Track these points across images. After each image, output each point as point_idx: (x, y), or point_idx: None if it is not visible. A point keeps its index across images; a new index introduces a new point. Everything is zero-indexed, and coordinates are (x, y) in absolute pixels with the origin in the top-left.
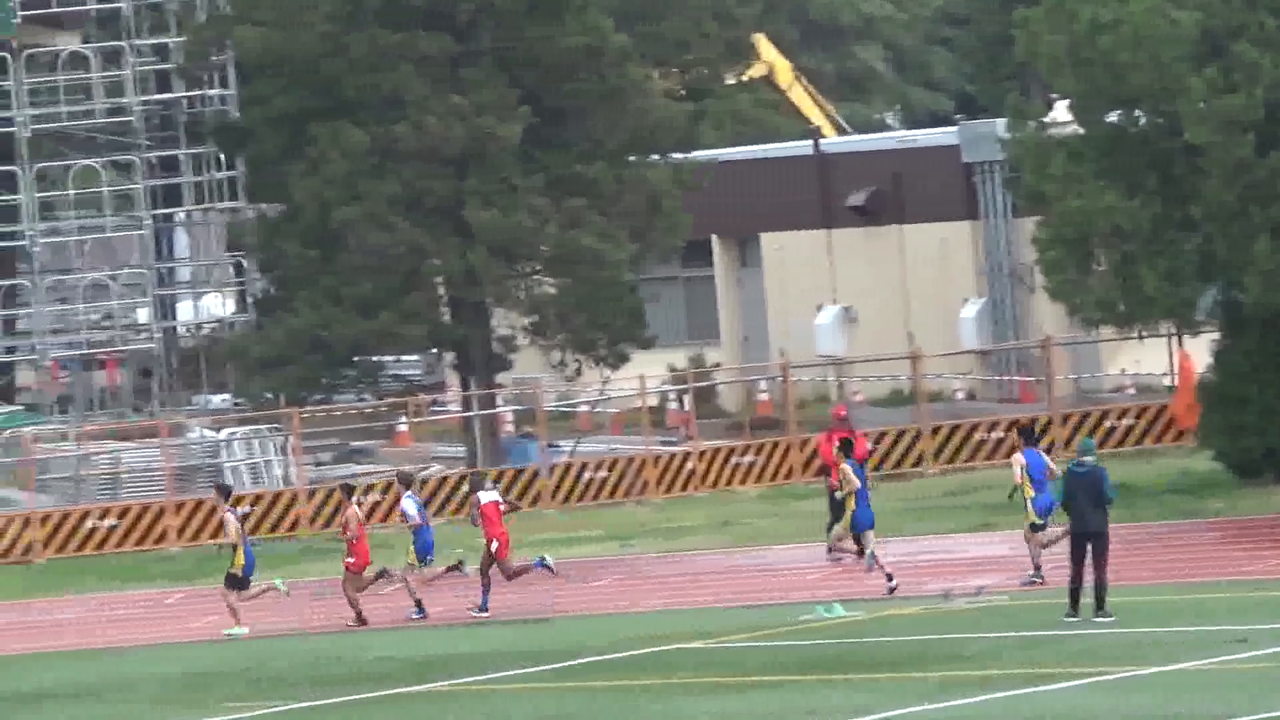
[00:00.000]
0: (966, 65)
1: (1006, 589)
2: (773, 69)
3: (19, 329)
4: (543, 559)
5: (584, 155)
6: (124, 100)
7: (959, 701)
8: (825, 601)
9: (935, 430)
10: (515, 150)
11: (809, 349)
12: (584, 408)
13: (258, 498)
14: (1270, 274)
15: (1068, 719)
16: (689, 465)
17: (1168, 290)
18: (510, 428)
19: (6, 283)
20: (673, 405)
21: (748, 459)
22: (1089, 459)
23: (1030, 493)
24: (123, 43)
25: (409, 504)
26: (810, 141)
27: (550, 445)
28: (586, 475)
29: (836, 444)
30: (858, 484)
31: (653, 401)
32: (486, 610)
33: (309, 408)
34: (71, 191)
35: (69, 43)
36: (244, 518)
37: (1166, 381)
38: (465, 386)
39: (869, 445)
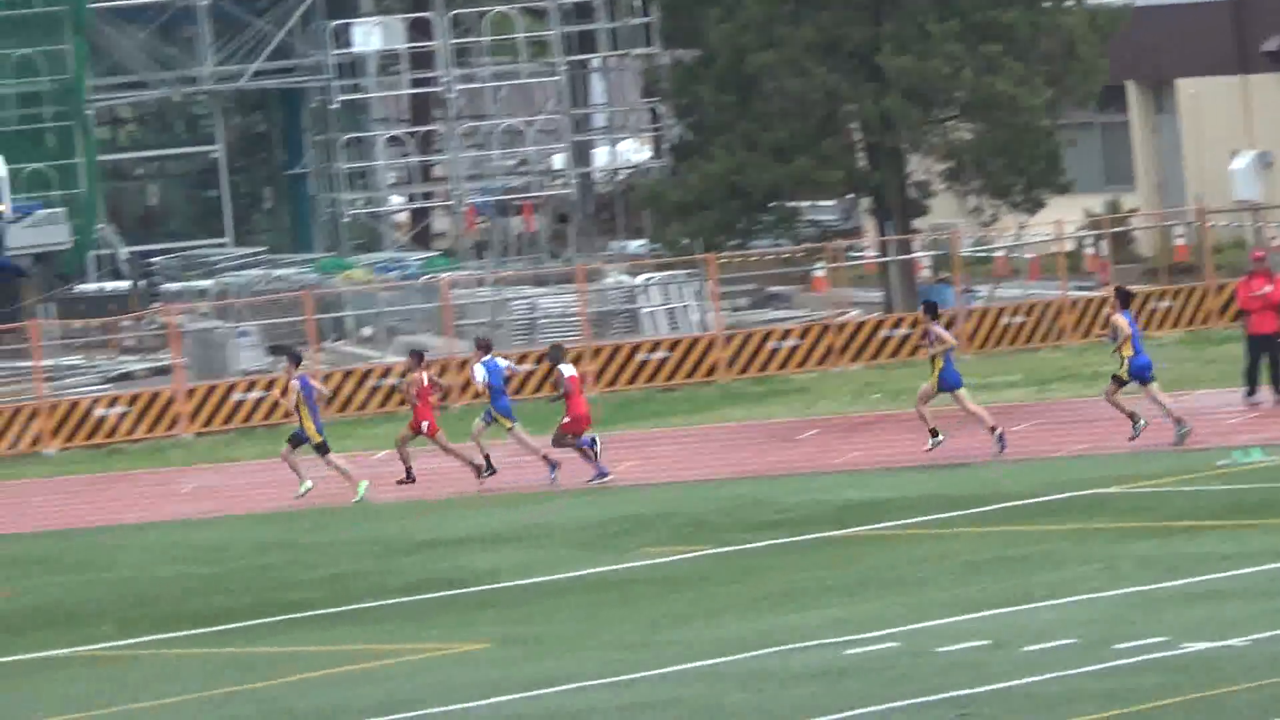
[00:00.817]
0: None
1: None
2: None
3: (435, 175)
4: (592, 439)
5: (1000, 0)
6: None
7: None
8: (1243, 446)
9: None
10: None
11: (1224, 194)
12: (1000, 253)
13: (675, 343)
14: None
15: None
16: (1105, 310)
17: None
18: (927, 273)
19: (423, 129)
20: (1089, 250)
21: (1165, 303)
22: None
23: (1128, 352)
24: None
25: (479, 370)
26: None
27: (966, 290)
28: (1003, 320)
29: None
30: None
31: (1069, 247)
32: (606, 475)
33: (725, 253)
34: (487, 38)
35: None
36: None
37: None
38: (881, 232)
39: None
